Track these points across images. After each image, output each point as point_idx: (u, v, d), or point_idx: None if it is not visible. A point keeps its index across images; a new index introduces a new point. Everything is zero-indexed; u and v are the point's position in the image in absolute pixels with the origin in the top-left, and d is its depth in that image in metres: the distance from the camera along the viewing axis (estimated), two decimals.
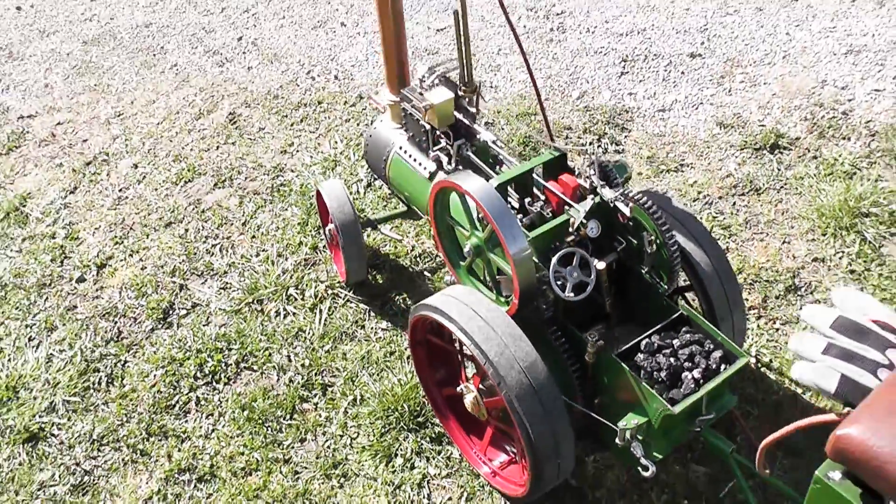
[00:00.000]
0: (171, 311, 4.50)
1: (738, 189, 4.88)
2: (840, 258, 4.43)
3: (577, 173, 3.31)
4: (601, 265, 3.10)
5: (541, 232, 3.14)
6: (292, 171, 5.36)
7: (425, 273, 4.50)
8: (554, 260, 3.02)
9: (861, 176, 4.86)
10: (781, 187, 4.86)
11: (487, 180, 3.20)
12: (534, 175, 3.35)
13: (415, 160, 3.89)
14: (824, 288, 4.29)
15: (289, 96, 6.13)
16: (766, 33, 6.12)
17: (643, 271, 3.23)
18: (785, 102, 5.45)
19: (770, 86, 5.57)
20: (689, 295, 3.62)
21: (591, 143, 5.26)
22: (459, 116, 3.61)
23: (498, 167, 3.65)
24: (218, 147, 5.68)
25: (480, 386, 3.28)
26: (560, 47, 6.20)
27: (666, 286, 3.22)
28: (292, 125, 5.81)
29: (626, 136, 5.35)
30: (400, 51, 3.80)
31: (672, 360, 2.97)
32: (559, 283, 3.02)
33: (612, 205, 3.13)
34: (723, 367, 2.93)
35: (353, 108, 5.89)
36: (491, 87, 5.93)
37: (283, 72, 6.44)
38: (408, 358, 4.11)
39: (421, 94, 3.69)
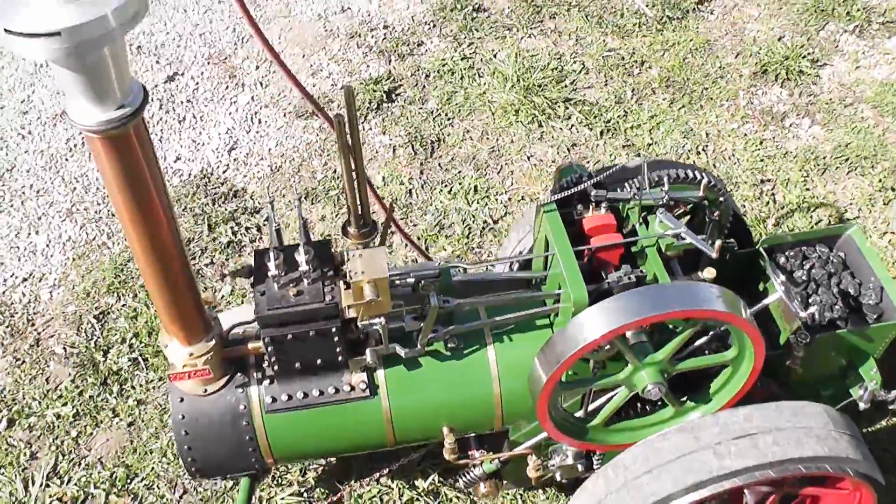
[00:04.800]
0: None
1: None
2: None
3: (577, 211, 2.31)
4: (709, 273, 2.28)
5: None
6: None
7: None
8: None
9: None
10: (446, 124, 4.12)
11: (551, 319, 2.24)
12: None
13: (321, 393, 2.22)
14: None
15: None
16: None
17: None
18: None
19: None
20: None
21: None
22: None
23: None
24: None
25: None
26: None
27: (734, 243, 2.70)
28: None
29: None
30: (192, 290, 1.99)
31: (824, 289, 2.53)
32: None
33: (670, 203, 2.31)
34: (841, 254, 2.61)
35: None
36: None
37: None
38: None
39: (300, 292, 2.05)
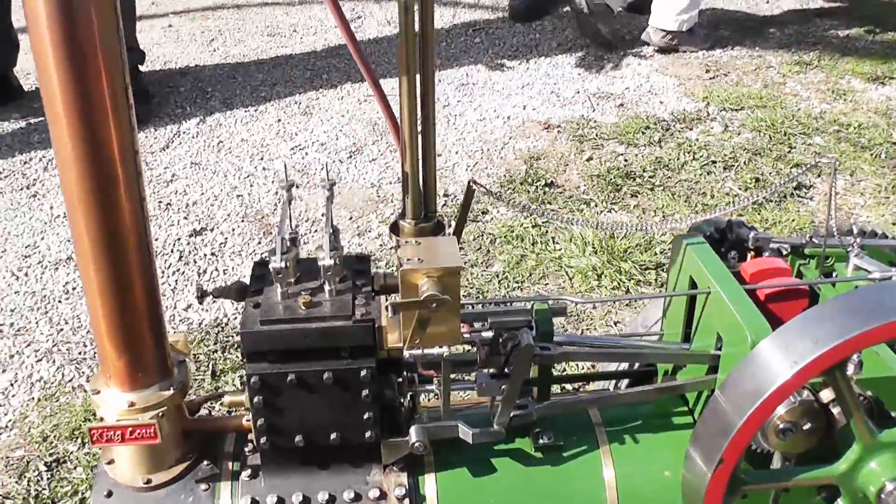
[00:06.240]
0: None
1: None
2: None
3: (731, 262, 1.65)
4: None
5: None
6: None
7: None
8: None
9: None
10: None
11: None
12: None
13: (332, 500, 1.38)
14: None
15: None
16: None
17: None
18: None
19: None
20: None
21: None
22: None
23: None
24: None
25: None
26: None
27: None
28: None
29: None
30: (150, 294, 1.28)
31: None
32: None
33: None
34: None
35: None
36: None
37: None
38: None
39: (316, 303, 1.31)
